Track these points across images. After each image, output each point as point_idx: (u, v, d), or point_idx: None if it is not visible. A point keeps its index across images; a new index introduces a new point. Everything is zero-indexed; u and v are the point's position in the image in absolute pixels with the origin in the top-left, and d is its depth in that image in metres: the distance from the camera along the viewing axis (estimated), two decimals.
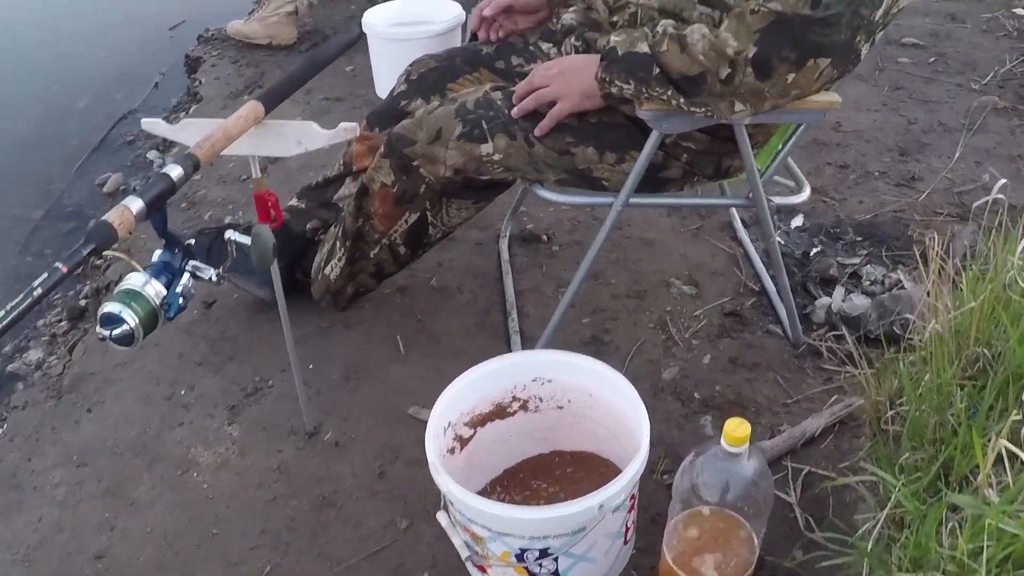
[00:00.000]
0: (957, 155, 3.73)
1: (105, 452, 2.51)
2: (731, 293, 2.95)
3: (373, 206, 2.44)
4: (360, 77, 4.23)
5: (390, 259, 2.55)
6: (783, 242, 3.12)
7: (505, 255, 3.09)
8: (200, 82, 4.60)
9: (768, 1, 1.94)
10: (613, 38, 2.09)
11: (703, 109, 2.04)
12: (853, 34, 1.92)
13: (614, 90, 2.10)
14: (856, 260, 3.04)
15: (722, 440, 1.74)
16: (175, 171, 1.78)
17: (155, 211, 1.74)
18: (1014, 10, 5.30)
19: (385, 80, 3.38)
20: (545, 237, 3.21)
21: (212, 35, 5.13)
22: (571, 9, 2.52)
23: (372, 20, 3.51)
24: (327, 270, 2.60)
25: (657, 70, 2.02)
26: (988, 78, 4.45)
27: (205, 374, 2.72)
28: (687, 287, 2.96)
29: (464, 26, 3.13)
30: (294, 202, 2.82)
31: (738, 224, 3.22)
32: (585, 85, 2.16)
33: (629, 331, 2.79)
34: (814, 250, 3.10)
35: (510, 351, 2.69)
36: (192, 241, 1.94)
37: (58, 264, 1.57)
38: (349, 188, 2.71)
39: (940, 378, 2.02)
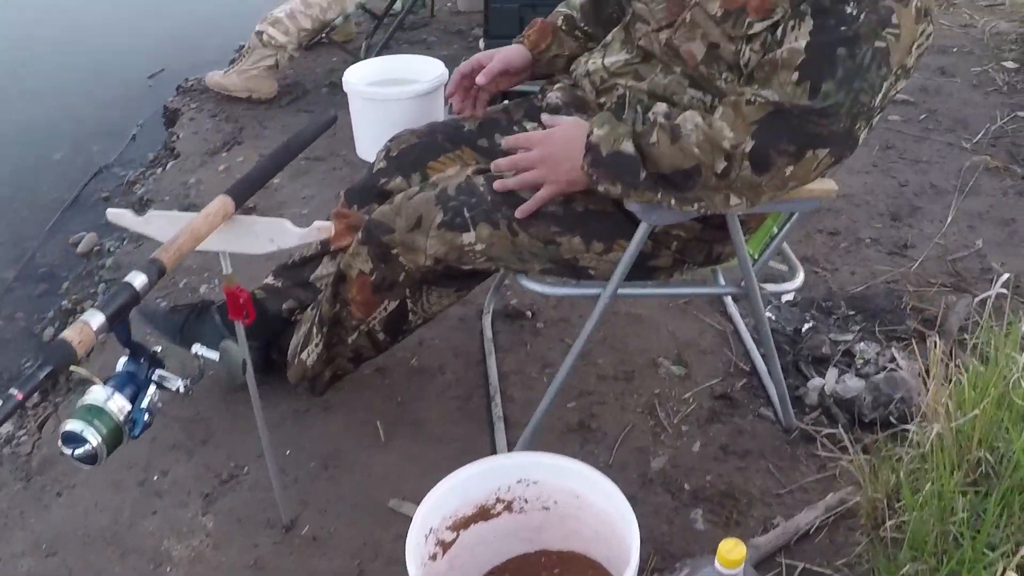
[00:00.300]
0: (949, 219, 3.67)
1: (76, 540, 2.41)
2: (721, 373, 2.87)
3: (350, 293, 2.36)
4: (340, 135, 4.14)
5: (369, 345, 2.46)
6: (773, 317, 3.04)
7: (488, 333, 3.00)
8: (178, 136, 4.52)
9: (763, 89, 1.88)
10: (596, 131, 2.01)
11: (696, 205, 1.97)
12: (853, 122, 1.87)
13: (600, 188, 2.02)
14: (849, 337, 2.96)
15: (716, 562, 1.66)
16: (138, 280, 1.68)
17: (117, 324, 1.65)
18: (1003, 63, 5.25)
19: (366, 140, 3.31)
20: (529, 313, 3.13)
21: (191, 85, 5.06)
22: (556, 86, 2.44)
23: (352, 79, 3.44)
24: (304, 355, 2.51)
25: (644, 174, 1.95)
26: (979, 136, 4.40)
27: (178, 458, 2.63)
28: (676, 367, 2.88)
29: (447, 86, 3.05)
30: (270, 280, 2.73)
31: (728, 299, 3.15)
32: (572, 175, 2.07)
33: (616, 416, 2.71)
34: (806, 326, 3.02)
35: (493, 438, 2.61)
36: (159, 348, 1.85)
37: (13, 391, 1.48)
38: (327, 267, 2.62)
39: (942, 484, 1.95)
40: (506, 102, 2.58)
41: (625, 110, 2.19)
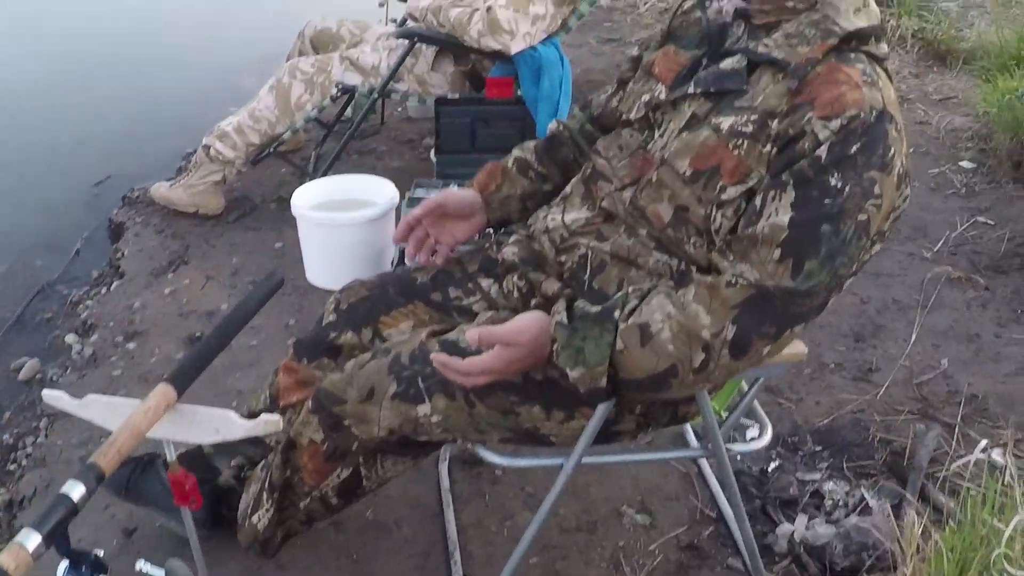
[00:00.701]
0: (914, 338, 3.61)
1: None
2: (687, 521, 2.77)
3: (301, 460, 2.26)
4: (289, 256, 4.06)
5: (321, 509, 2.35)
6: (739, 457, 2.95)
7: (445, 483, 2.89)
8: (123, 254, 4.40)
9: (741, 264, 1.80)
10: (557, 342, 1.88)
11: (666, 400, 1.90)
12: (829, 292, 1.82)
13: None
14: (817, 476, 2.89)
15: None
16: (77, 491, 1.57)
17: (55, 541, 1.54)
18: (960, 163, 5.23)
19: (316, 266, 3.22)
20: None
21: (137, 196, 4.93)
22: (512, 239, 2.35)
23: (300, 202, 3.35)
24: (254, 519, 2.40)
25: (613, 401, 1.90)
26: (940, 244, 4.36)
27: None
28: (640, 516, 2.78)
29: (398, 209, 2.97)
30: None
31: (691, 437, 3.05)
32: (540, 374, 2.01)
33: (581, 572, 2.61)
34: (772, 465, 2.94)
35: None
36: (101, 552, 1.74)
37: None
38: None
39: None
40: (461, 248, 2.48)
41: (584, 276, 2.10)
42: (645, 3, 8.47)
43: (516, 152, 2.45)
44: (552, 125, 2.49)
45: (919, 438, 3.03)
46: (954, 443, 3.06)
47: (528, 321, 1.94)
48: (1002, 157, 5.09)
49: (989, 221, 4.59)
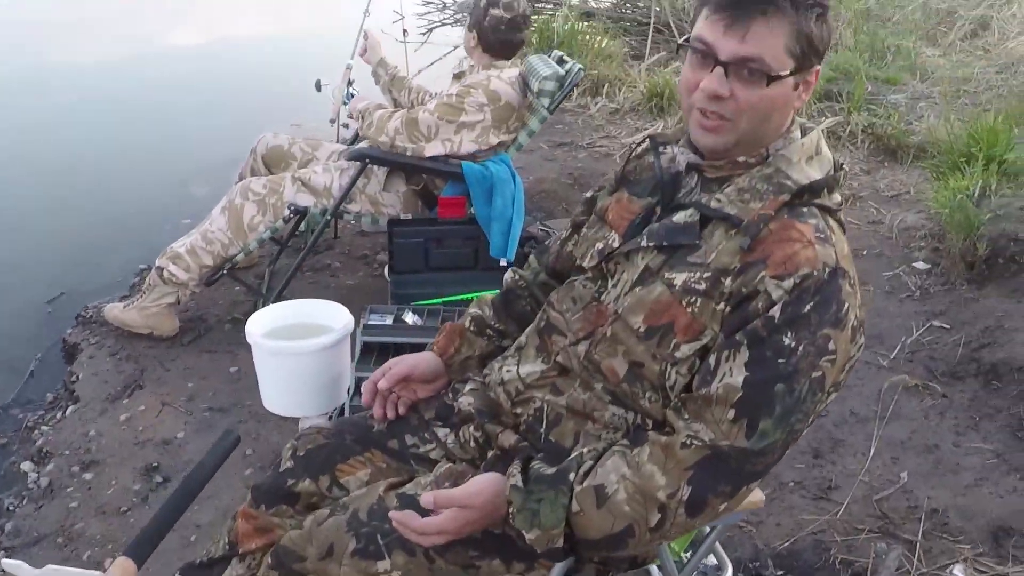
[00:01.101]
0: (872, 451, 3.63)
1: None
2: None
3: None
4: (245, 381, 4.04)
5: None
6: None
7: None
8: (77, 377, 4.35)
9: (695, 423, 1.80)
10: (512, 504, 1.88)
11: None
12: (785, 448, 1.82)
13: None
14: None
15: None
16: None
17: None
18: (914, 264, 5.28)
19: (272, 393, 3.20)
20: None
21: (91, 316, 4.89)
22: (468, 387, 2.34)
23: (255, 329, 3.33)
24: None
25: (568, 547, 1.86)
26: (896, 351, 4.40)
27: None
28: None
29: (353, 336, 2.96)
30: None
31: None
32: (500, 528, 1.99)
33: None
34: None
35: None
36: None
37: None
38: (236, 570, 2.49)
39: None
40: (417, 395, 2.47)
41: (540, 429, 2.10)
42: (596, 105, 8.55)
43: (473, 310, 2.47)
44: (508, 276, 2.51)
45: (880, 558, 3.03)
46: (916, 560, 3.06)
47: (483, 484, 1.94)
48: (955, 258, 5.14)
49: (945, 325, 4.63)
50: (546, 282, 2.42)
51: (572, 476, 1.86)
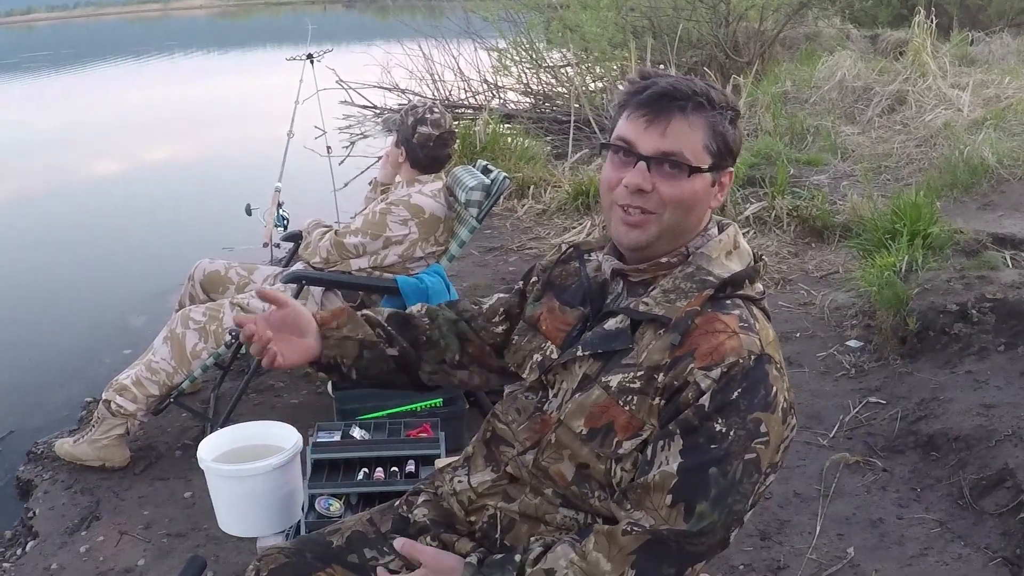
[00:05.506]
0: (818, 529, 3.69)
1: None
2: None
3: None
4: (200, 505, 4.07)
5: None
6: None
7: None
8: (34, 513, 4.34)
9: (636, 511, 1.88)
10: None
11: None
12: (727, 530, 1.89)
13: None
14: None
15: None
16: None
17: None
18: (847, 343, 5.38)
19: (227, 515, 3.24)
20: None
21: (42, 452, 4.88)
22: (421, 499, 2.40)
23: (206, 455, 3.37)
24: None
25: None
26: (835, 429, 4.48)
27: None
28: None
29: (303, 454, 3.01)
30: None
31: None
32: None
33: None
34: None
35: None
36: None
37: None
38: None
39: None
40: (370, 513, 2.51)
41: (495, 535, 2.17)
42: (523, 207, 8.68)
43: (368, 311, 2.48)
44: (416, 308, 2.54)
45: None
46: None
47: (446, 555, 2.11)
48: (887, 334, 5.25)
49: (881, 400, 4.73)
50: (454, 319, 2.48)
51: (518, 557, 1.97)
